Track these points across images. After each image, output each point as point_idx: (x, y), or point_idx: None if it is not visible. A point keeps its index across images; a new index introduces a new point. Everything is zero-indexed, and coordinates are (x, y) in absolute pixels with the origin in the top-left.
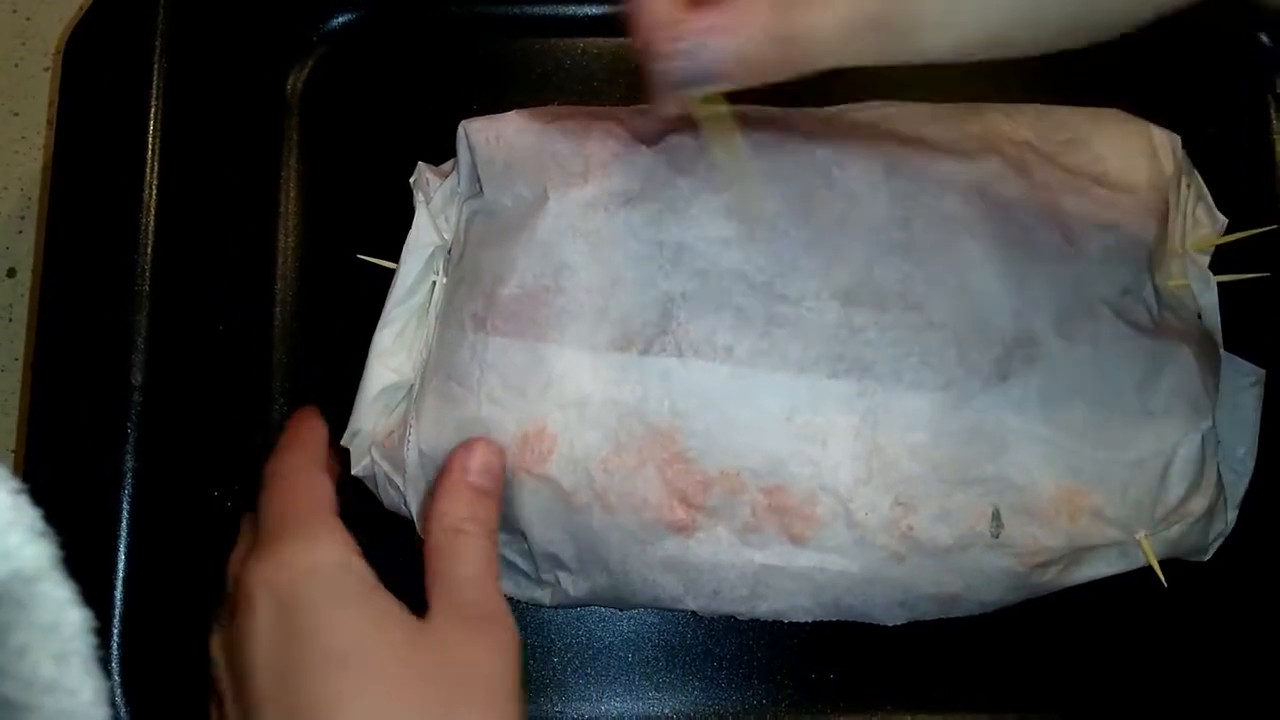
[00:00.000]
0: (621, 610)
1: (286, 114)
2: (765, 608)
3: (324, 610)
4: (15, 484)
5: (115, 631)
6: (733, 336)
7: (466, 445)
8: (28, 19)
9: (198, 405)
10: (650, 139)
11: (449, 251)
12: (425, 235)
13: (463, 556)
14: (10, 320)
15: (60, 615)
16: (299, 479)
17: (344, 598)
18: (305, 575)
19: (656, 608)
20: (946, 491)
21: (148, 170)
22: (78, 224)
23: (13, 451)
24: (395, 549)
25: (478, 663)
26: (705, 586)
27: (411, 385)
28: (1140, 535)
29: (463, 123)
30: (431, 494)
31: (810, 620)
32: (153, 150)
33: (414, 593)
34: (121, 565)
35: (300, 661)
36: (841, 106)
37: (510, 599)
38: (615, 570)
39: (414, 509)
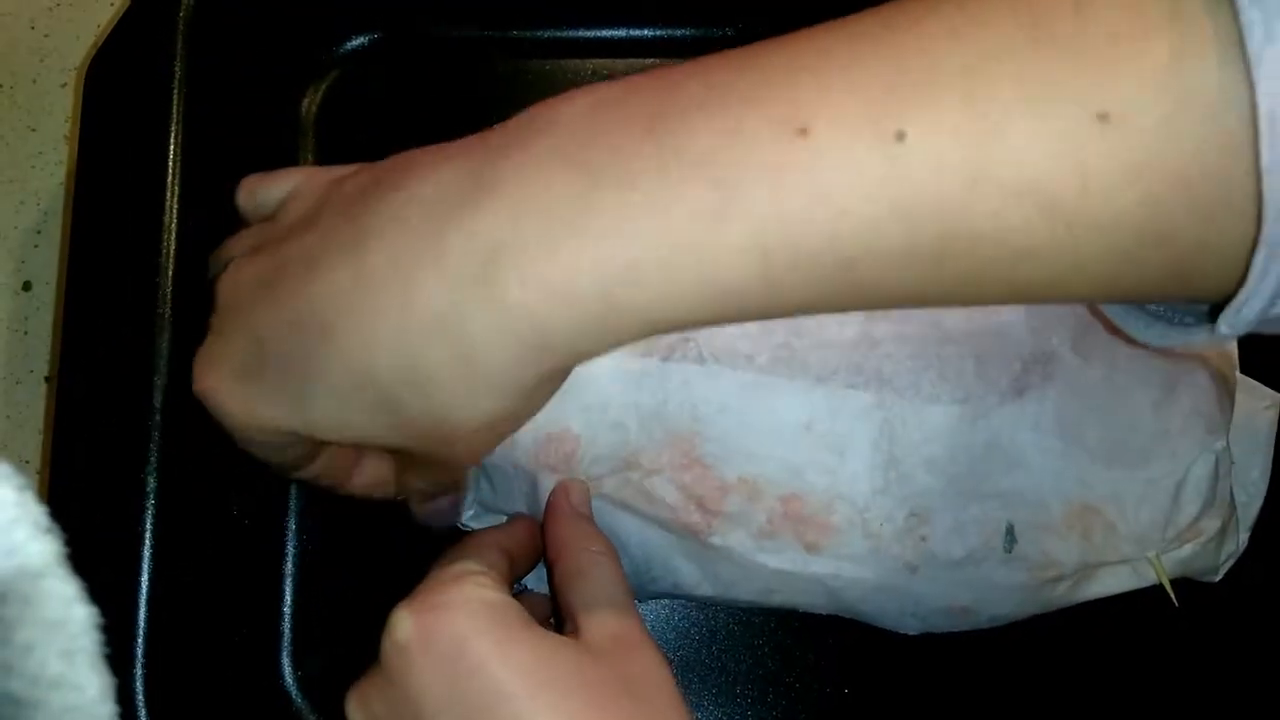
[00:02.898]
0: (640, 600)
1: (302, 135)
2: (779, 599)
3: (487, 645)
4: (20, 480)
5: (139, 647)
6: (754, 345)
7: (563, 483)
8: (45, 36)
9: (218, 428)
10: None
11: None
12: None
13: (605, 577)
14: (26, 334)
15: (66, 611)
16: (465, 543)
17: (506, 629)
18: (455, 616)
19: (675, 595)
20: (961, 504)
21: (168, 193)
22: (100, 247)
23: (26, 462)
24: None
25: (653, 674)
26: (723, 577)
27: None
28: (1152, 553)
29: None
30: (546, 527)
31: (824, 613)
32: (173, 173)
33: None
34: (145, 581)
35: (479, 704)
36: None
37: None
38: (636, 556)
39: None
